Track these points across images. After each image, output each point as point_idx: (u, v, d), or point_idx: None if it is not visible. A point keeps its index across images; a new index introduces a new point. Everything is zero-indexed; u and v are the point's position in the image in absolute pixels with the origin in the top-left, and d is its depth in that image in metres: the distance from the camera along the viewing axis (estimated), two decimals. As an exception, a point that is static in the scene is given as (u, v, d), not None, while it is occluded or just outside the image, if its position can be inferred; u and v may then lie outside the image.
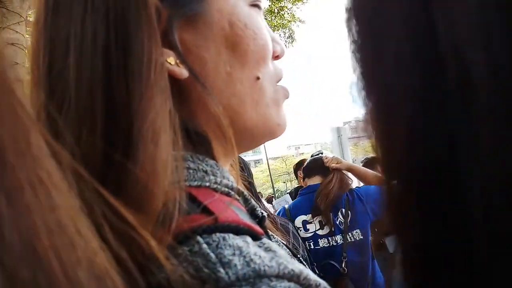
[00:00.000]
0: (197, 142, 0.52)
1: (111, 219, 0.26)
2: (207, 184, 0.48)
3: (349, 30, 0.26)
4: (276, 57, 0.61)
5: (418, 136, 0.22)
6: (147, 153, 0.41)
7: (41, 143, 0.21)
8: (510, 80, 0.17)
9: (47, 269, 0.19)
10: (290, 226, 2.78)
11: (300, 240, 2.56)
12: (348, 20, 0.27)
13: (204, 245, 0.40)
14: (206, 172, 0.49)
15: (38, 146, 0.21)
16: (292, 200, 4.01)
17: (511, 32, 0.17)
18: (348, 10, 0.27)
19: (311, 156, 2.97)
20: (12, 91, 0.20)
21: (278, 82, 0.60)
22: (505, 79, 0.17)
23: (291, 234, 2.38)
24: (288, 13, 6.78)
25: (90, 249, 0.22)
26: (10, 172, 0.19)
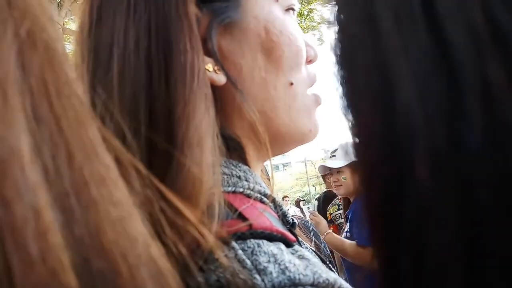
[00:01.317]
0: (231, 148, 0.52)
1: (169, 214, 0.26)
2: (241, 190, 0.49)
3: (336, 71, 0.29)
4: (309, 61, 0.61)
5: (382, 161, 0.25)
6: (194, 157, 0.42)
7: (100, 139, 0.22)
8: (445, 151, 0.21)
9: (112, 263, 0.19)
10: (310, 224, 2.75)
11: (322, 238, 2.54)
12: (335, 65, 0.30)
13: (240, 251, 0.40)
14: (239, 177, 0.50)
15: (98, 142, 0.22)
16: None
17: (445, 96, 0.21)
18: (333, 49, 0.29)
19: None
20: (73, 89, 0.21)
21: (311, 86, 0.61)
22: (441, 150, 0.21)
23: (311, 232, 2.36)
24: (317, 15, 6.74)
25: (148, 246, 0.22)
26: (78, 169, 0.19)
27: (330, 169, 2.88)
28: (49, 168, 0.18)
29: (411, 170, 0.22)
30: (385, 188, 0.25)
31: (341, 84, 0.29)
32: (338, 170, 2.82)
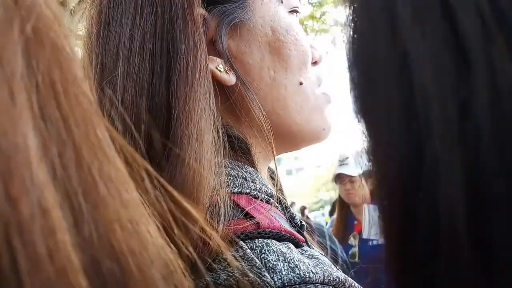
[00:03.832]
0: (237, 148, 0.53)
1: (177, 214, 0.26)
2: (247, 190, 0.49)
3: (350, 74, 0.31)
4: (314, 62, 0.62)
5: (401, 167, 0.27)
6: (193, 151, 0.43)
7: (108, 138, 0.22)
8: (456, 126, 0.23)
9: (122, 263, 0.19)
10: (325, 229, 2.73)
11: (337, 243, 2.52)
12: (348, 68, 0.31)
13: (248, 250, 0.41)
14: (245, 179, 0.50)
15: (107, 141, 0.21)
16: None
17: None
18: (348, 60, 0.31)
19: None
20: (81, 88, 0.21)
21: (319, 86, 0.62)
22: (452, 125, 0.23)
23: (327, 237, 2.36)
24: (330, 18, 6.73)
25: (159, 247, 0.22)
26: (86, 168, 0.19)
27: (342, 177, 2.85)
28: (56, 166, 0.18)
29: (427, 143, 0.24)
30: (403, 169, 0.27)
31: (356, 79, 0.30)
32: (351, 180, 2.80)
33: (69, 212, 0.17)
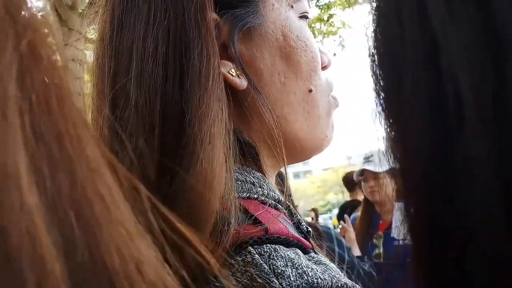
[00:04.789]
0: (246, 153, 0.53)
1: (169, 235, 0.26)
2: (255, 196, 0.49)
3: (373, 73, 0.31)
4: (324, 67, 0.62)
5: (428, 159, 0.26)
6: (205, 156, 0.43)
7: (99, 157, 0.21)
8: (490, 114, 0.23)
9: (116, 286, 0.18)
10: (333, 232, 2.71)
11: (345, 246, 2.49)
12: (372, 63, 0.31)
13: (257, 256, 0.40)
14: (253, 184, 0.50)
15: (98, 160, 0.21)
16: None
17: (495, 78, 0.23)
18: (371, 56, 0.31)
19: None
20: (75, 105, 0.20)
21: (330, 93, 0.62)
22: (486, 112, 0.23)
23: (335, 241, 2.34)
24: (337, 20, 6.74)
25: (155, 269, 0.21)
26: (80, 189, 0.19)
27: (366, 173, 2.79)
28: (48, 188, 0.17)
29: (458, 135, 0.24)
30: (430, 163, 0.26)
31: (378, 68, 0.30)
32: (375, 176, 2.72)
33: (61, 237, 0.17)
